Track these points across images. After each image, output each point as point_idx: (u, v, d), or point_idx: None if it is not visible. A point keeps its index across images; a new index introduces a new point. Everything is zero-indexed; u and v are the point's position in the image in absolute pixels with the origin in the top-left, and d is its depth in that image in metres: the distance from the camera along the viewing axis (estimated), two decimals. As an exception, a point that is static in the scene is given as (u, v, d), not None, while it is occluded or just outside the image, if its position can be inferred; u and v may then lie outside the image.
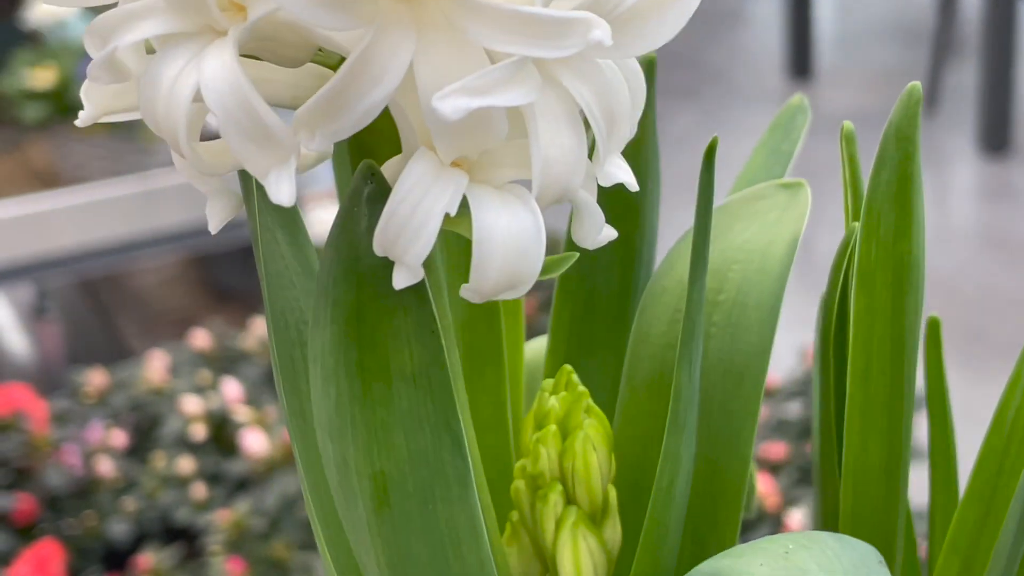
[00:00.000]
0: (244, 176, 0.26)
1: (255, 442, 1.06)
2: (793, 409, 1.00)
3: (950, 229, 1.87)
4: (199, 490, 1.07)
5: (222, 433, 1.11)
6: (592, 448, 0.30)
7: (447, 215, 0.20)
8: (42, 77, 1.20)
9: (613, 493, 0.31)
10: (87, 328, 1.43)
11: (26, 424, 1.07)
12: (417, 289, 0.22)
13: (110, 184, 1.21)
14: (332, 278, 0.22)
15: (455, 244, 0.31)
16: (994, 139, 1.98)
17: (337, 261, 0.21)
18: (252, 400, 1.11)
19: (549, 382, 0.31)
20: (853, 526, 0.29)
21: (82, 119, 0.23)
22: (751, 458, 0.31)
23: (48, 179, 1.24)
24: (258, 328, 1.19)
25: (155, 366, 1.17)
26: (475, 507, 0.24)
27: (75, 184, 1.22)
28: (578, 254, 0.24)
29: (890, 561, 0.30)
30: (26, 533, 1.02)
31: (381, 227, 0.20)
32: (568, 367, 0.31)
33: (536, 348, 0.39)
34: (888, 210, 0.26)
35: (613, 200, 0.33)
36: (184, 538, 1.07)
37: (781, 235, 0.32)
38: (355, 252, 0.21)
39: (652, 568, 0.28)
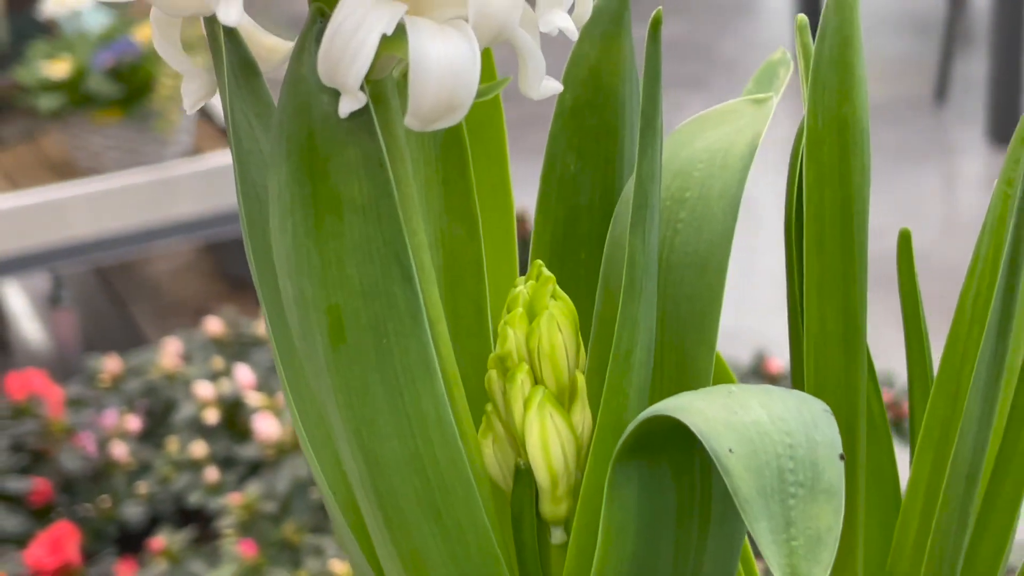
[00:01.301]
0: (216, 58, 0.27)
1: (267, 427, 1.07)
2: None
3: (959, 220, 1.87)
4: (212, 474, 1.09)
5: (234, 418, 1.13)
6: (557, 328, 0.30)
7: (386, 39, 0.21)
8: (58, 68, 1.22)
9: (581, 379, 0.31)
10: (102, 315, 1.45)
11: (42, 409, 1.08)
12: (366, 123, 0.23)
13: (125, 174, 1.24)
14: (286, 114, 0.23)
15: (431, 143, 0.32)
16: (1004, 130, 1.98)
17: (290, 98, 0.23)
18: (264, 386, 1.13)
19: (521, 278, 0.32)
20: (815, 395, 0.30)
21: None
22: (715, 343, 0.32)
23: (63, 169, 1.26)
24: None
25: (169, 352, 1.18)
26: (427, 344, 0.25)
27: (90, 174, 1.24)
28: (510, 78, 0.25)
29: (851, 429, 0.31)
30: (42, 516, 1.04)
31: (323, 50, 0.21)
32: (539, 261, 0.32)
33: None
34: (831, 75, 0.27)
35: (592, 120, 0.34)
36: (197, 521, 1.08)
37: (744, 135, 0.33)
38: (306, 87, 0.22)
39: (612, 435, 0.29)
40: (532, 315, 0.31)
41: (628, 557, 0.28)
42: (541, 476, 0.30)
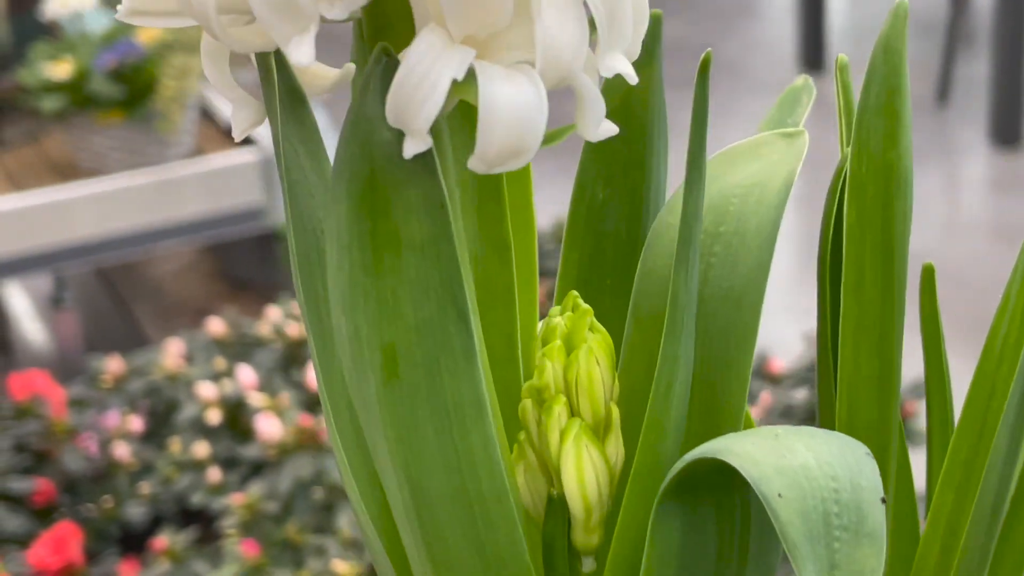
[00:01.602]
0: (267, 87, 0.27)
1: (269, 427, 1.07)
2: (800, 395, 1.01)
3: (961, 221, 1.87)
4: (214, 474, 1.09)
5: (237, 418, 1.13)
6: (595, 361, 0.31)
7: (455, 83, 0.21)
8: (60, 69, 1.22)
9: (616, 411, 0.32)
10: (104, 316, 1.45)
11: (44, 410, 1.09)
12: (427, 163, 0.23)
13: (127, 175, 1.24)
14: (348, 153, 0.23)
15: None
16: (1006, 132, 1.98)
17: (353, 136, 0.23)
18: (266, 386, 1.13)
19: (556, 308, 0.32)
20: (846, 435, 0.30)
21: (121, 14, 0.25)
22: (748, 380, 0.32)
23: (66, 170, 1.26)
24: (272, 316, 1.21)
25: (171, 353, 1.18)
26: (480, 382, 0.25)
27: (93, 175, 1.24)
28: (577, 125, 0.25)
29: (884, 471, 0.31)
30: (44, 516, 1.04)
31: (393, 92, 0.21)
32: (574, 292, 0.32)
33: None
34: (877, 122, 0.27)
35: (622, 150, 0.34)
36: (199, 521, 1.09)
37: (779, 171, 0.34)
38: (369, 126, 0.23)
39: (651, 471, 0.29)
40: (570, 347, 0.31)
41: (667, 591, 0.28)
42: (576, 507, 0.30)
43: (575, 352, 0.31)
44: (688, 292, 0.29)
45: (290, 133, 0.28)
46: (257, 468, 1.09)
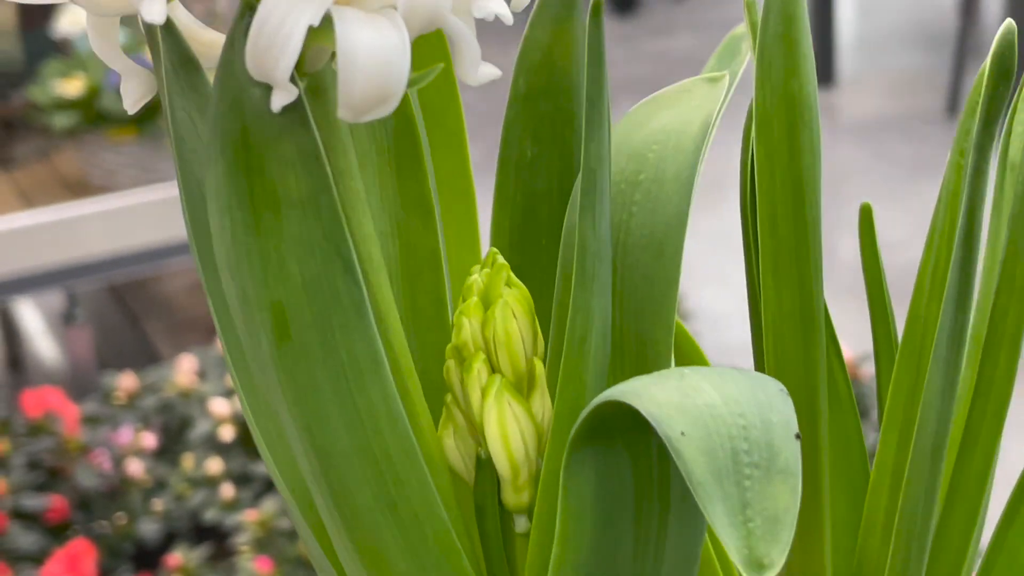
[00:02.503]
0: (155, 54, 0.27)
1: (279, 438, 1.07)
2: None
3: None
4: (227, 490, 1.09)
5: (250, 435, 1.13)
6: (512, 315, 0.30)
7: (313, 30, 0.21)
8: (71, 86, 1.24)
9: (540, 366, 0.31)
10: (117, 333, 1.46)
11: (58, 427, 1.09)
12: (300, 117, 0.23)
13: (138, 191, 1.24)
14: (219, 111, 0.23)
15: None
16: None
17: (222, 94, 0.23)
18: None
19: (477, 266, 0.32)
20: (775, 374, 0.30)
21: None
22: (673, 328, 0.32)
23: (77, 187, 1.27)
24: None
25: (184, 370, 1.19)
26: (374, 337, 0.25)
27: (104, 192, 1.25)
28: (442, 64, 0.25)
29: (812, 409, 0.31)
30: (58, 533, 1.04)
31: (250, 42, 0.21)
32: (495, 249, 0.32)
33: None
34: (777, 52, 0.27)
35: (548, 106, 0.34)
36: (213, 537, 1.09)
37: (698, 115, 0.33)
38: (237, 82, 0.23)
39: (570, 425, 0.28)
40: (487, 304, 0.31)
41: (587, 544, 0.28)
42: (502, 465, 0.30)
43: (491, 308, 0.31)
44: (597, 240, 0.28)
45: (184, 103, 0.28)
46: (270, 484, 1.09)
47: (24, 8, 1.39)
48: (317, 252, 0.24)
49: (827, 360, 0.31)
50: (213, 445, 1.13)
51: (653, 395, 0.24)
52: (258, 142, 0.23)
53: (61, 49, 1.35)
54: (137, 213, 1.22)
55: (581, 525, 0.27)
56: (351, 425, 0.25)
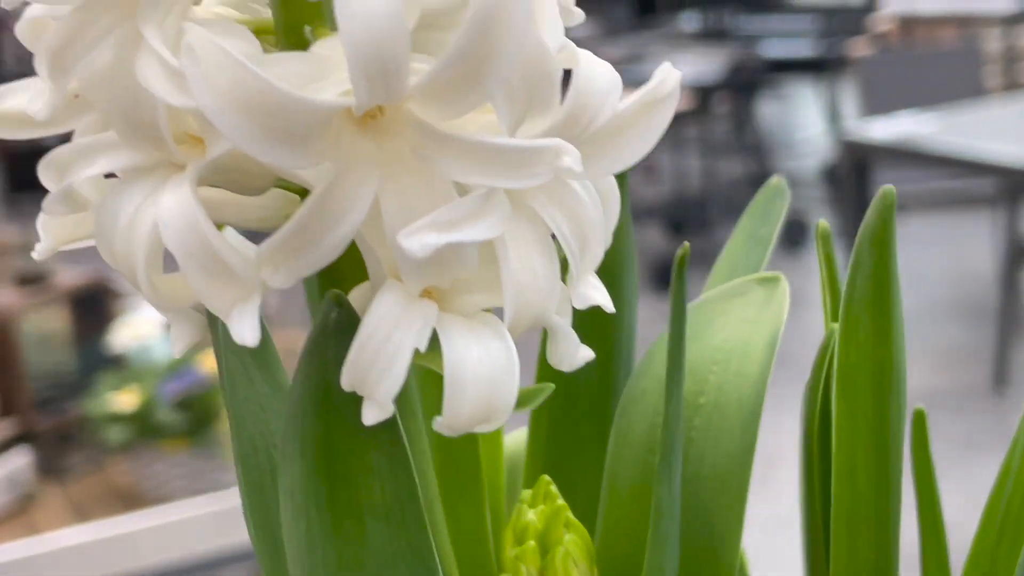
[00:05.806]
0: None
1: None
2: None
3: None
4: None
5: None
6: (573, 564, 0.29)
7: (417, 350, 0.19)
8: (125, 400, 1.21)
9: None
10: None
11: None
12: (389, 424, 0.21)
13: (190, 503, 1.22)
14: (301, 411, 0.21)
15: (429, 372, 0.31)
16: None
17: (306, 393, 0.21)
18: None
19: (528, 493, 0.30)
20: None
21: (39, 252, 0.22)
22: (736, 566, 0.30)
23: (130, 498, 1.25)
24: None
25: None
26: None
27: (157, 502, 1.23)
28: (554, 385, 0.23)
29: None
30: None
31: (349, 363, 0.19)
32: (546, 478, 0.30)
33: (517, 439, 0.38)
34: (865, 316, 0.25)
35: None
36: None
37: (760, 334, 0.32)
38: (323, 384, 0.20)
39: None
40: (545, 548, 0.29)
41: None
42: None
43: (551, 555, 0.29)
44: (671, 501, 0.27)
45: (236, 346, 0.26)
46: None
47: (79, 321, 1.37)
48: (401, 564, 0.22)
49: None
50: None
51: None
52: (343, 451, 0.21)
53: (116, 363, 1.32)
54: (189, 524, 1.18)
55: None
56: None
